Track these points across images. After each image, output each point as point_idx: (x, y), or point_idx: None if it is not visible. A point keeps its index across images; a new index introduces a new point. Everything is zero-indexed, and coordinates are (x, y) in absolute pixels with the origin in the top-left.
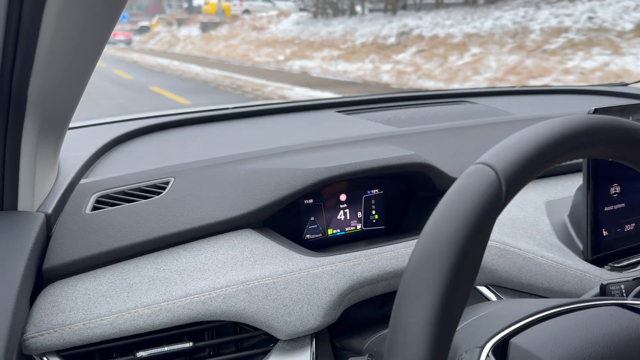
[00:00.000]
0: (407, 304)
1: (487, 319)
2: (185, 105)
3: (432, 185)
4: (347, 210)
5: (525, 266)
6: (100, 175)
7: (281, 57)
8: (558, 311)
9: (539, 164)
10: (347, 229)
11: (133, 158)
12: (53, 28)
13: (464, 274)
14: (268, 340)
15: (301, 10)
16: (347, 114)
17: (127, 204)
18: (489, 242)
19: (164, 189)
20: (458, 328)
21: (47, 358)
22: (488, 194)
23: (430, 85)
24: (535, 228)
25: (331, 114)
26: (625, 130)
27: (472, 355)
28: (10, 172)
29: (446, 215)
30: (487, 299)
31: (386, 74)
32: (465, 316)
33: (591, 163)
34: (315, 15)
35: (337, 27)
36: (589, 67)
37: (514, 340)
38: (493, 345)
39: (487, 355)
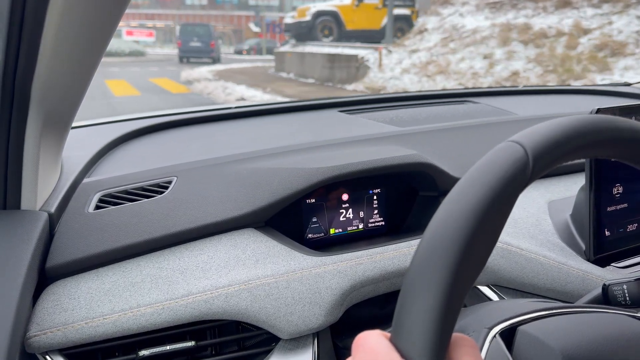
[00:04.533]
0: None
1: (495, 309)
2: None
3: (434, 185)
4: (349, 210)
5: (528, 266)
6: (103, 174)
7: None
8: (564, 312)
9: (567, 150)
10: (349, 228)
11: (136, 157)
12: (56, 25)
13: (480, 240)
14: (270, 340)
15: None
16: (350, 113)
17: (130, 203)
18: None
19: (167, 188)
20: (466, 312)
21: (49, 357)
22: (515, 167)
23: None
24: (537, 228)
25: (334, 113)
26: (631, 131)
27: (479, 335)
28: (13, 170)
29: (472, 181)
30: (489, 298)
31: None
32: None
33: (594, 163)
34: None
35: None
36: None
37: (522, 327)
38: (501, 329)
39: (494, 336)
